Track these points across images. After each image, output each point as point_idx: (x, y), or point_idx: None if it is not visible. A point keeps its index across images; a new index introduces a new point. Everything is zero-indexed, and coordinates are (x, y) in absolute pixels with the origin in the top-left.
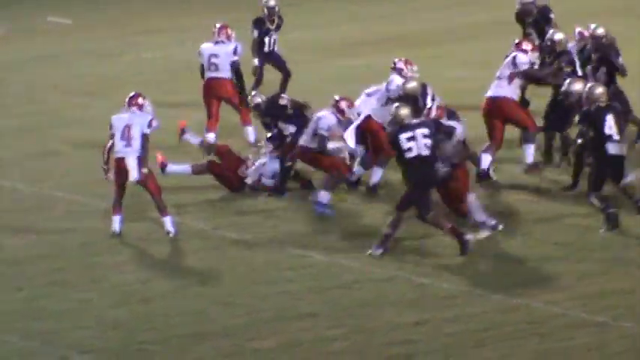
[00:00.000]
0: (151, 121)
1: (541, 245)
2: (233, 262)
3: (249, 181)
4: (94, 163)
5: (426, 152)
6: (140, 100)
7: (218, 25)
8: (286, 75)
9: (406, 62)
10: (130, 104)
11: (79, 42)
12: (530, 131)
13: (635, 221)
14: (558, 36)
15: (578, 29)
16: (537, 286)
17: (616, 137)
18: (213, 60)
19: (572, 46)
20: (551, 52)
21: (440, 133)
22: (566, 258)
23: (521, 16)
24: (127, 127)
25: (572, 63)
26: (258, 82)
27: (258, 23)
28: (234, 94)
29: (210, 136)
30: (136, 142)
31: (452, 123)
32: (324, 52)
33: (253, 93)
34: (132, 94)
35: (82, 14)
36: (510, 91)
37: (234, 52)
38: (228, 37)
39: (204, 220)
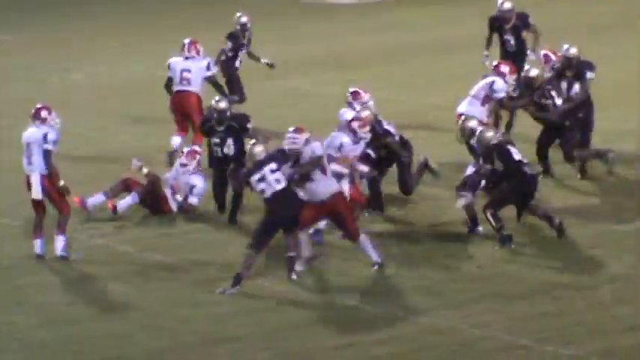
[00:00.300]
0: (46, 135)
1: (467, 268)
2: (158, 284)
3: (174, 207)
4: (19, 186)
5: (278, 186)
6: (43, 114)
7: (187, 41)
8: (241, 99)
9: (355, 94)
10: (33, 118)
11: (9, 61)
12: None
13: (560, 246)
14: (534, 72)
15: (543, 52)
16: (464, 309)
17: (525, 160)
18: (185, 75)
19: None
20: (527, 88)
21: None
22: (492, 280)
23: (500, 23)
24: (28, 144)
25: (550, 97)
26: (241, 92)
27: (233, 37)
28: (198, 110)
29: (176, 140)
30: (37, 159)
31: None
32: (251, 72)
33: (217, 98)
34: (36, 106)
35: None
36: (480, 111)
37: (208, 68)
38: (198, 52)
39: (129, 243)
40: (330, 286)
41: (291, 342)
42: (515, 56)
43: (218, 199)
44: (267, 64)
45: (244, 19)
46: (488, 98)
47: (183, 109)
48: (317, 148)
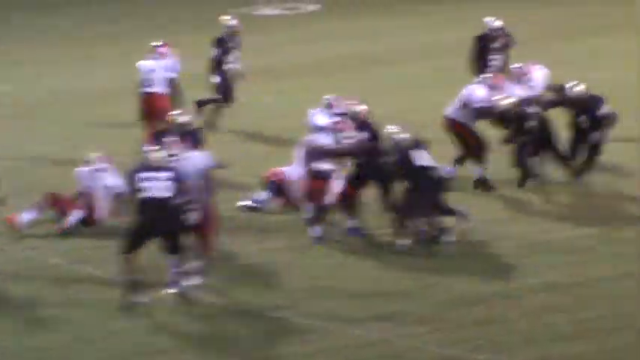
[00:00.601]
0: None
1: (399, 278)
2: (88, 296)
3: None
4: None
5: (164, 194)
6: None
7: (156, 43)
8: (230, 101)
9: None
10: None
11: None
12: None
13: (492, 254)
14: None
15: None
16: (396, 320)
17: (433, 165)
18: (150, 75)
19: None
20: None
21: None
22: (424, 290)
23: (488, 41)
24: None
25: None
26: (227, 99)
27: (220, 42)
28: (166, 110)
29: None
30: None
31: None
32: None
33: (175, 112)
34: None
35: None
36: (463, 115)
37: (170, 70)
38: (165, 54)
39: (60, 255)
40: (261, 298)
41: (219, 354)
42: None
43: None
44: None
45: (233, 23)
46: (466, 105)
47: (153, 110)
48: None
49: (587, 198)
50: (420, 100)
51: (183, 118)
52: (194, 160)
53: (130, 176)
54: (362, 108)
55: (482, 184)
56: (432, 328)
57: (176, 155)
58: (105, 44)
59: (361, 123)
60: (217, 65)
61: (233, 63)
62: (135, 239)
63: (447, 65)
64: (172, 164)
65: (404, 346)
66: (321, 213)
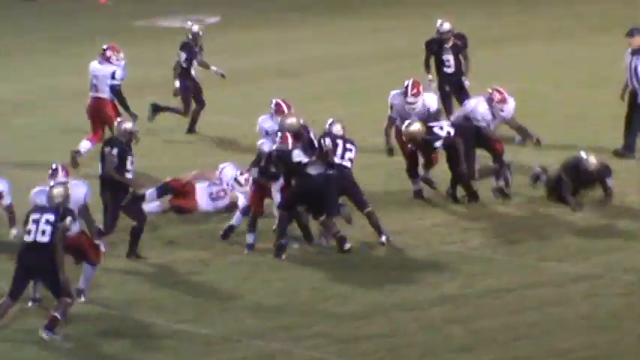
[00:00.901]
0: None
1: (301, 289)
2: None
3: None
4: None
5: (43, 239)
6: None
7: (104, 46)
8: (201, 105)
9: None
10: None
11: None
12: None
13: (392, 266)
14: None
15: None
16: (297, 332)
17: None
18: (94, 81)
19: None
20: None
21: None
22: (325, 302)
23: (437, 44)
24: None
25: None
26: (187, 105)
27: (186, 47)
28: (112, 116)
29: (85, 145)
30: None
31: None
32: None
33: (119, 120)
34: None
35: None
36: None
37: (113, 76)
38: (109, 59)
39: None
40: (165, 309)
41: None
42: (455, 76)
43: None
44: (219, 73)
45: (196, 28)
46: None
47: (95, 115)
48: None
49: (488, 209)
50: (325, 112)
51: (126, 125)
52: (74, 190)
53: (26, 216)
54: (293, 119)
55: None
56: (332, 340)
57: (62, 184)
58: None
59: (296, 134)
60: (182, 70)
61: (195, 68)
62: (16, 283)
63: (352, 76)
64: (57, 202)
65: (304, 358)
66: (255, 221)
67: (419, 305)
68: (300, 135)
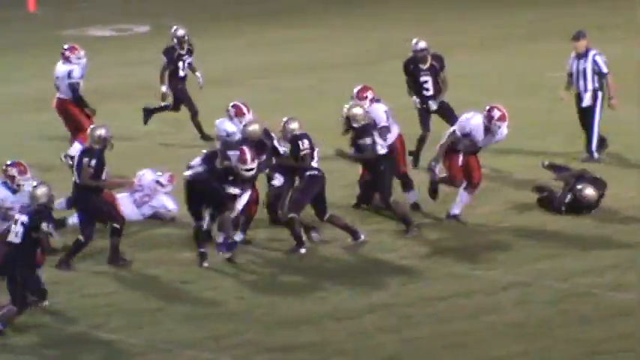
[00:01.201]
0: None
1: (230, 298)
2: None
3: None
4: None
5: (15, 240)
6: None
7: (65, 46)
8: (193, 111)
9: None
10: None
11: None
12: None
13: (323, 274)
14: (357, 110)
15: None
16: (227, 341)
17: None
18: (56, 82)
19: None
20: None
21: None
22: (254, 310)
23: (415, 64)
24: None
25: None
26: (163, 108)
27: (169, 52)
28: (78, 113)
29: (75, 147)
30: None
31: None
32: (16, 106)
33: (92, 127)
34: None
35: None
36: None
37: (69, 75)
38: (68, 59)
39: None
40: (95, 319)
41: None
42: (435, 98)
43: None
44: (200, 81)
45: (181, 32)
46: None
47: (62, 115)
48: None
49: (419, 218)
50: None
51: (100, 132)
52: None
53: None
54: (256, 126)
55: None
56: (262, 349)
57: (46, 185)
58: None
59: (258, 142)
60: (169, 74)
61: (183, 70)
62: None
63: (285, 85)
64: (41, 202)
65: None
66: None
67: (349, 314)
68: (263, 143)
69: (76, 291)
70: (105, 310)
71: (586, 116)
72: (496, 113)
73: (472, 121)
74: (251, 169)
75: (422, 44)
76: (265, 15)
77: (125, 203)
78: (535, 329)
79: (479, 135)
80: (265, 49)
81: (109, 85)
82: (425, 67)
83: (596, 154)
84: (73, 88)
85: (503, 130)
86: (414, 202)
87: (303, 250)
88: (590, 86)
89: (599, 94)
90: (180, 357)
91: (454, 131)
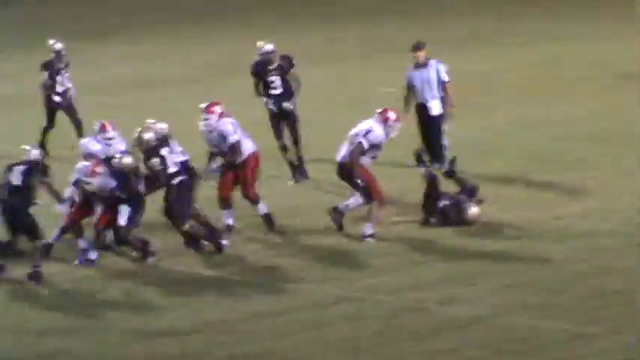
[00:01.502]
0: None
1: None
2: None
3: None
4: None
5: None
6: None
7: None
8: (77, 122)
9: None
10: None
11: None
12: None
13: (161, 291)
14: (147, 135)
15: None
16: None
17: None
18: None
19: None
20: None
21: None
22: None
23: (262, 66)
24: None
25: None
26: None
27: (47, 66)
28: None
29: None
30: None
31: None
32: None
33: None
34: None
35: None
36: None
37: None
38: None
39: None
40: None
41: None
42: (282, 98)
43: None
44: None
45: (58, 46)
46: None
47: None
48: None
49: (244, 235)
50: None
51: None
52: None
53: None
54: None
55: None
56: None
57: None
58: None
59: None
60: (47, 88)
61: (62, 85)
62: None
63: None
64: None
65: None
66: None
67: (180, 330)
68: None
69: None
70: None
71: (433, 126)
72: (391, 115)
73: (376, 132)
74: (89, 183)
75: (269, 47)
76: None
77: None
78: (367, 343)
79: (384, 140)
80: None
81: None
82: (273, 67)
83: (444, 164)
84: None
85: (396, 131)
86: (265, 213)
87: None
88: (437, 94)
89: (443, 102)
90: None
91: (360, 143)
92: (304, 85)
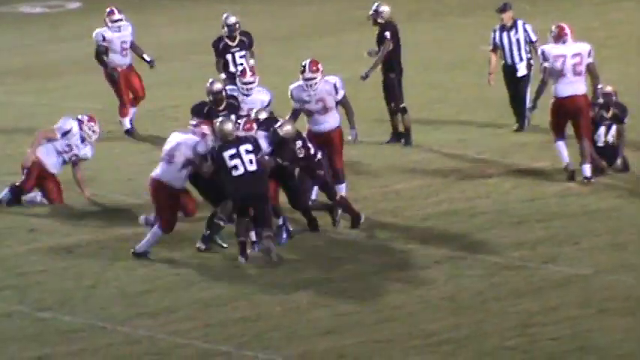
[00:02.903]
0: None
1: (165, 275)
2: None
3: None
4: None
5: (252, 167)
6: None
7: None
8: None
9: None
10: None
11: None
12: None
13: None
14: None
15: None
16: (161, 317)
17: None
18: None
19: None
20: None
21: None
22: (189, 287)
23: (224, 41)
24: None
25: None
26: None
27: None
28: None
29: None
30: None
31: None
32: None
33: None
34: None
35: None
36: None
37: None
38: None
39: None
40: (27, 298)
41: None
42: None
43: None
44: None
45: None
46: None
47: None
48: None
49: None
50: (182, 97)
51: None
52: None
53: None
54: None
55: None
56: (197, 325)
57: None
58: None
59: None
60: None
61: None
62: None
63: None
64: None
65: (170, 344)
66: None
67: (283, 290)
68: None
69: (6, 270)
70: (37, 288)
71: (519, 86)
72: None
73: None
74: None
75: (232, 19)
76: None
77: (48, 155)
78: (467, 303)
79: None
80: (187, 25)
81: (39, 62)
82: (234, 43)
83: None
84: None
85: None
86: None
87: None
88: (524, 56)
89: (532, 62)
90: (115, 334)
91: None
92: (405, 44)
